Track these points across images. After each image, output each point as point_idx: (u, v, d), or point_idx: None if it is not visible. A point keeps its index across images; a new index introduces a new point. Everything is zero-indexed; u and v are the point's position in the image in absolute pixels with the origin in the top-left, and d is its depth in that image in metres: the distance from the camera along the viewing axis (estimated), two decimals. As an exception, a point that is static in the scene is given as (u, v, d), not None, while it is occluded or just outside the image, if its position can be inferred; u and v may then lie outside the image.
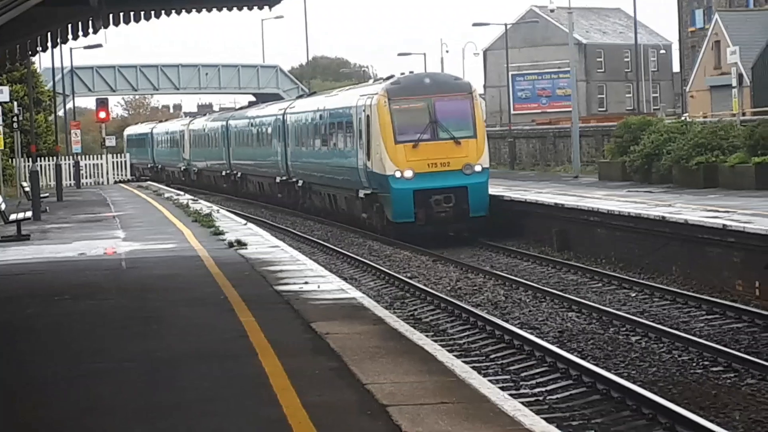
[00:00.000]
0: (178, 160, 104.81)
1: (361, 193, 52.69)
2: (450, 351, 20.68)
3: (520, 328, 27.72)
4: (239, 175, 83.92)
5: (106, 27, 32.19)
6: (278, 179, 72.48)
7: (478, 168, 46.95)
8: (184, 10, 32.77)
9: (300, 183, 68.60)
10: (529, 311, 30.72)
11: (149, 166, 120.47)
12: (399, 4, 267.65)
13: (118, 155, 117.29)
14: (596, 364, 23.60)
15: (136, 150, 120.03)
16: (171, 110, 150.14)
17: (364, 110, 51.40)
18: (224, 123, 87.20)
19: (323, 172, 62.39)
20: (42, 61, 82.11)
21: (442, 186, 46.24)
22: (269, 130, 74.50)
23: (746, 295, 31.73)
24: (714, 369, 23.48)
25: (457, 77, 55.90)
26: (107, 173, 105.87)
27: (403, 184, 45.21)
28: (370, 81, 69.39)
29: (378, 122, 48.42)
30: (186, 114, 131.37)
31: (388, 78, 55.35)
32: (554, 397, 21.69)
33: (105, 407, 15.54)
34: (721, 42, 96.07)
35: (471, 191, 46.14)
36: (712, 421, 18.84)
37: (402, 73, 67.85)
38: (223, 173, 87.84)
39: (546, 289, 34.07)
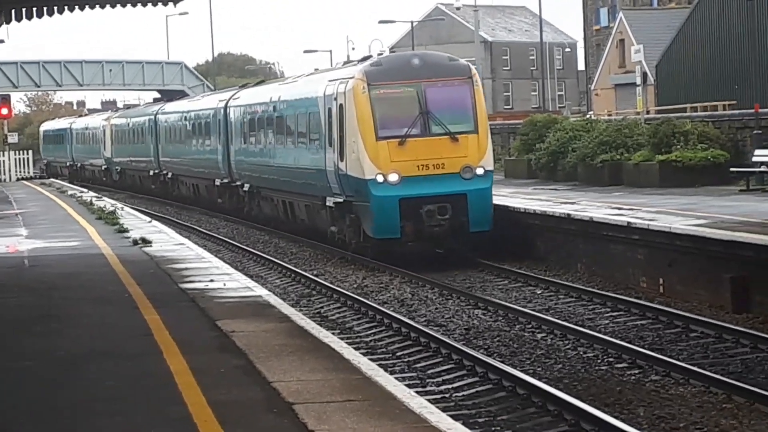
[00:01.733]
0: (99, 158, 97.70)
1: (330, 201, 39.71)
2: (356, 349, 20.73)
3: (426, 325, 27.72)
4: (170, 175, 73.53)
5: (8, 23, 32.10)
6: (218, 182, 60.55)
7: (479, 171, 35.52)
8: (87, 6, 32.67)
9: (245, 187, 55.48)
10: (435, 309, 30.73)
11: (68, 164, 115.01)
12: (303, 1, 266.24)
13: (22, 152, 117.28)
14: (502, 362, 23.60)
15: (53, 147, 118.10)
16: (74, 107, 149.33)
17: (335, 99, 38.33)
18: (152, 117, 77.59)
19: (277, 175, 48.80)
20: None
21: (436, 193, 35.14)
22: (207, 124, 61.70)
23: (650, 292, 31.92)
24: (619, 365, 23.57)
25: (452, 57, 40.68)
26: (9, 170, 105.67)
27: (387, 191, 34.10)
28: (339, 64, 51.25)
29: (355, 113, 36.28)
30: (90, 110, 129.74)
31: (364, 59, 41.93)
32: (460, 394, 21.65)
33: (2, 407, 15.43)
34: (626, 40, 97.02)
35: (471, 200, 35.04)
36: (617, 418, 18.86)
37: (380, 53, 66.43)
38: (151, 173, 78.49)
39: (452, 286, 34.12)
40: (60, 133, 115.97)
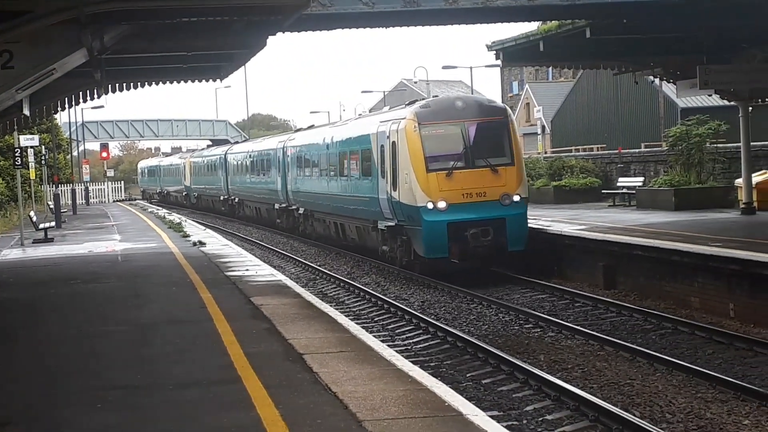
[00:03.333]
0: (182, 186, 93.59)
1: (382, 225, 34.35)
2: (347, 316, 20.67)
3: (395, 300, 27.73)
4: (236, 200, 67.97)
5: (106, 94, 32.00)
6: (277, 206, 53.82)
7: (516, 198, 30.81)
8: (161, 82, 32.58)
9: (300, 210, 49.41)
10: (399, 288, 30.65)
11: (158, 191, 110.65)
12: (307, 75, 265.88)
13: (117, 182, 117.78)
14: (446, 324, 23.69)
15: (148, 179, 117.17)
16: (153, 151, 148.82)
17: (388, 137, 33.26)
18: (222, 155, 73.12)
19: (330, 202, 42.64)
20: (61, 117, 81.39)
21: (479, 218, 30.56)
22: (268, 160, 55.69)
23: (548, 275, 31.74)
24: (526, 326, 23.60)
25: (490, 100, 37.31)
26: (107, 195, 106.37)
27: (436, 216, 29.63)
28: (386, 108, 46.85)
29: (407, 149, 31.38)
30: (164, 153, 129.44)
31: (411, 102, 35.73)
32: (418, 346, 21.75)
33: (104, 356, 15.50)
34: (530, 103, 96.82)
35: (510, 223, 30.51)
36: (525, 361, 19.02)
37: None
38: (221, 198, 73.22)
39: (411, 274, 33.42)
40: (153, 168, 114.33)
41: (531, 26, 35.28)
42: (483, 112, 31.15)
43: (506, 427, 11.85)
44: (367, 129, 36.06)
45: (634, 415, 15.20)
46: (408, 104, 34.13)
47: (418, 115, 30.68)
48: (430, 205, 29.47)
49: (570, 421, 15.50)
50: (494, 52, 37.81)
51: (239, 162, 64.21)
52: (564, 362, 19.46)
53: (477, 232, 29.56)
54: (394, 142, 31.46)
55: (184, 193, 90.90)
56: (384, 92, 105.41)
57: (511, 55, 37.30)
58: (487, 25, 31.94)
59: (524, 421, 15.53)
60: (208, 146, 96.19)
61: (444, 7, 25.33)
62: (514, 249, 30.32)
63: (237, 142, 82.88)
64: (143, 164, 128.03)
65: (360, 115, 49.43)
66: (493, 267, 31.22)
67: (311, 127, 53.69)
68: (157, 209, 79.12)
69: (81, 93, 31.96)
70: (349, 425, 10.64)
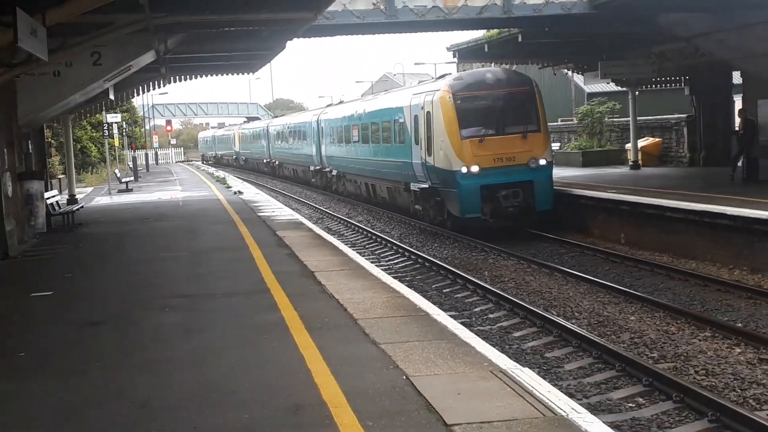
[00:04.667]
0: (232, 151, 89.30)
1: (415, 187, 29.18)
2: (346, 244, 20.69)
3: (381, 232, 27.71)
4: (277, 163, 62.67)
5: (169, 83, 31.95)
6: (312, 168, 48.35)
7: (542, 162, 26.39)
8: (209, 75, 32.57)
9: (334, 172, 43.53)
10: (383, 224, 30.60)
11: (213, 155, 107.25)
12: (315, 68, 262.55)
13: (178, 148, 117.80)
14: (417, 249, 23.68)
15: (206, 146, 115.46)
16: (204, 125, 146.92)
17: (422, 108, 27.95)
18: (265, 127, 68.29)
19: (362, 165, 37.06)
20: (137, 100, 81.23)
21: (509, 181, 26.38)
22: (304, 131, 49.93)
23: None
24: (475, 251, 23.63)
25: (517, 72, 30.59)
26: (171, 158, 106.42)
27: (470, 180, 25.48)
28: (415, 82, 38.82)
29: (442, 118, 26.52)
30: (211, 127, 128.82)
31: (441, 76, 30.49)
32: (398, 266, 21.73)
33: (171, 274, 15.49)
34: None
35: (537, 185, 26.21)
36: (473, 276, 19.05)
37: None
38: (265, 161, 68.26)
39: (394, 214, 33.35)
40: (209, 138, 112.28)
41: (479, 33, 35.22)
42: (511, 83, 25.96)
43: (461, 323, 11.88)
44: (400, 101, 30.43)
45: (552, 313, 15.32)
46: (439, 78, 28.91)
47: (453, 87, 25.55)
48: (464, 170, 24.81)
49: (506, 318, 15.59)
50: (452, 52, 37.86)
51: (279, 131, 60.27)
52: (502, 277, 19.47)
53: (508, 193, 25.01)
54: (428, 112, 26.41)
55: (234, 157, 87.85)
56: (372, 82, 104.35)
57: (464, 54, 37.38)
58: (447, 32, 31.80)
59: (473, 318, 15.62)
60: (244, 121, 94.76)
61: (415, 19, 25.29)
62: (542, 209, 25.39)
63: (276, 116, 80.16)
64: (202, 134, 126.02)
65: (386, 90, 41.51)
66: (523, 226, 25.70)
67: (341, 102, 48.16)
68: (209, 168, 79.04)
69: (151, 83, 32.01)
70: (348, 322, 10.70)
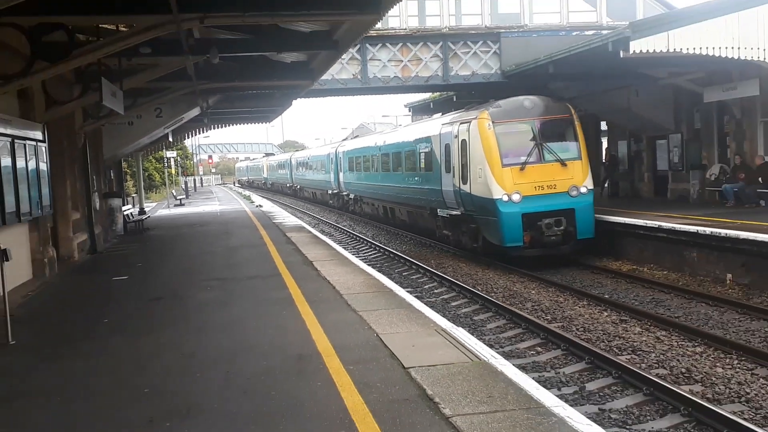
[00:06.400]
0: (261, 177, 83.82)
1: (443, 213, 21.76)
2: (336, 242, 20.61)
3: (359, 233, 27.59)
4: (299, 186, 55.79)
5: (209, 129, 31.74)
6: (330, 191, 41.18)
7: (583, 189, 18.99)
8: (238, 124, 32.38)
9: (351, 195, 35.76)
10: (362, 229, 30.49)
11: (246, 180, 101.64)
12: (311, 117, 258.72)
13: (217, 175, 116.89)
14: (385, 245, 23.53)
15: (240, 173, 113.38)
16: (236, 159, 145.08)
17: (455, 136, 20.61)
18: (288, 159, 62.79)
19: (381, 190, 28.82)
20: (187, 141, 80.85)
21: (550, 208, 19.00)
22: (323, 161, 43.08)
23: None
24: (426, 245, 23.52)
25: (555, 99, 20.84)
26: (212, 182, 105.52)
27: (512, 208, 18.54)
28: (437, 115, 27.33)
29: (481, 146, 19.25)
30: (241, 160, 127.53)
31: (471, 106, 21.30)
32: (371, 257, 21.57)
33: (211, 263, 15.29)
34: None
35: (578, 213, 18.87)
36: (421, 262, 18.97)
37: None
38: (288, 185, 62.18)
39: (366, 221, 33.24)
40: (243, 167, 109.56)
41: (426, 95, 35.26)
42: (550, 110, 19.15)
43: (415, 296, 11.88)
44: (426, 131, 23.10)
45: (477, 289, 15.32)
46: (471, 108, 20.70)
47: (492, 114, 18.88)
48: (505, 198, 18.05)
49: (446, 292, 15.58)
50: (408, 108, 37.92)
51: (300, 162, 55.40)
52: (444, 264, 19.38)
53: (550, 221, 18.15)
54: (464, 140, 19.48)
55: (262, 181, 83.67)
56: (353, 128, 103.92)
57: (416, 109, 37.35)
58: (405, 94, 31.87)
59: (424, 293, 15.61)
60: (264, 156, 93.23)
61: (382, 85, 25.28)
62: (583, 237, 18.39)
63: (297, 150, 76.57)
64: (239, 165, 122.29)
65: (401, 125, 31.18)
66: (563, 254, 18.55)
67: (356, 137, 41.24)
68: (239, 189, 78.50)
69: (197, 129, 31.82)
70: (336, 295, 10.65)
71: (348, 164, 35.66)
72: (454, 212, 20.43)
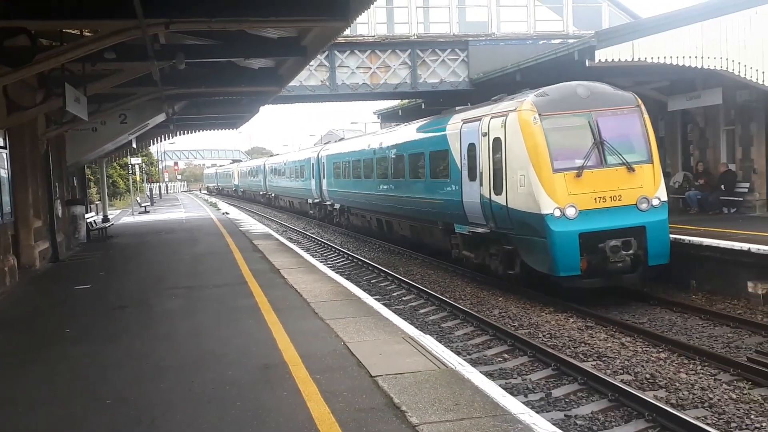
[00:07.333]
0: (231, 184, 79.42)
1: (462, 230, 16.56)
2: (304, 250, 20.54)
3: (327, 241, 27.45)
4: (273, 194, 51.13)
5: (175, 136, 31.52)
6: (310, 200, 36.52)
7: (655, 202, 13.25)
8: (205, 130, 32.20)
9: (336, 206, 31.04)
10: (330, 235, 30.34)
11: (215, 187, 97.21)
12: (278, 123, 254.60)
13: (183, 182, 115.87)
14: (353, 252, 23.40)
15: (208, 179, 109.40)
16: (202, 165, 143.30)
17: (484, 134, 14.89)
18: (261, 164, 57.34)
19: (378, 201, 24.01)
20: (152, 147, 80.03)
21: (615, 227, 13.08)
22: (302, 167, 37.78)
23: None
24: (393, 254, 23.50)
25: (616, 87, 14.41)
26: (178, 189, 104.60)
27: (566, 226, 12.72)
28: (448, 111, 19.00)
29: (524, 145, 13.43)
30: (206, 167, 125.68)
31: (501, 97, 15.86)
32: (339, 264, 21.49)
33: (176, 271, 15.15)
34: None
35: (650, 232, 13.16)
36: (392, 270, 18.91)
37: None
38: (261, 192, 57.17)
39: (339, 230, 32.94)
40: (211, 173, 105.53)
41: (395, 102, 35.36)
42: (611, 100, 14.10)
43: (383, 304, 11.91)
44: (440, 129, 18.20)
45: (445, 297, 15.34)
46: (502, 99, 15.80)
47: (538, 104, 13.75)
48: (557, 213, 13.14)
49: (415, 299, 15.58)
50: (377, 115, 38.00)
51: (275, 168, 50.45)
52: (412, 272, 19.30)
53: (617, 244, 13.25)
54: (497, 138, 14.59)
55: (233, 189, 79.10)
56: (321, 135, 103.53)
57: (385, 117, 37.51)
58: (373, 101, 31.93)
59: (392, 301, 15.60)
60: (230, 162, 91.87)
61: (350, 92, 25.37)
62: (655, 263, 13.62)
63: (272, 155, 72.54)
64: (207, 171, 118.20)
65: (396, 125, 27.94)
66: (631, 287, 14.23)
67: (341, 140, 35.20)
68: (207, 197, 77.89)
69: (163, 135, 31.60)
70: (303, 303, 10.62)
71: (333, 170, 30.74)
72: (480, 229, 15.71)
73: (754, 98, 18.96)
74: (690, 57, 17.06)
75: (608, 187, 13.49)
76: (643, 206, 13.56)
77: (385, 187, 23.16)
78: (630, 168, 13.58)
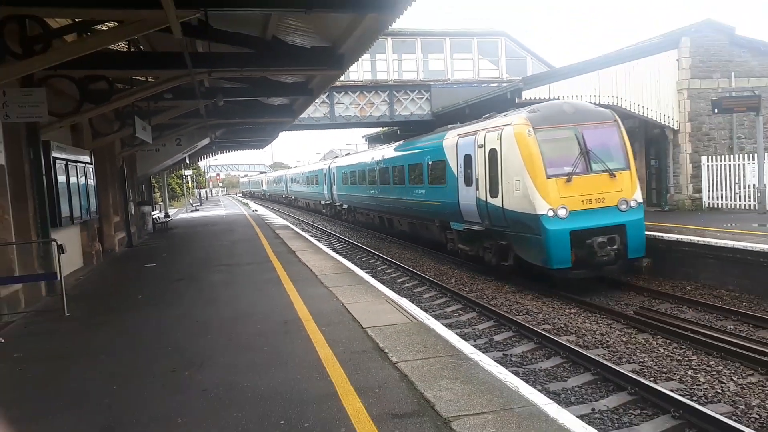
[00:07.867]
0: (260, 189, 77.10)
1: (458, 227, 14.41)
2: (313, 238, 20.31)
3: (330, 230, 27.13)
4: (294, 197, 48.86)
5: (217, 154, 31.17)
6: (323, 202, 34.41)
7: (633, 203, 11.25)
8: (238, 149, 31.89)
9: (345, 206, 28.78)
10: (332, 225, 29.95)
11: (249, 192, 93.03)
12: (291, 143, 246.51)
13: (223, 188, 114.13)
14: (348, 238, 22.90)
15: (243, 186, 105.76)
16: (239, 176, 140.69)
17: (480, 145, 12.78)
18: (284, 174, 55.01)
19: (378, 202, 22.01)
20: (200, 163, 79.09)
21: (600, 225, 10.97)
22: (317, 175, 36.27)
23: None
24: (381, 239, 23.12)
25: (594, 104, 12.51)
26: (219, 193, 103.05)
27: (559, 225, 10.65)
28: (442, 129, 16.44)
29: (519, 155, 11.29)
30: (242, 177, 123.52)
31: (492, 115, 13.62)
32: (339, 247, 21.05)
33: (218, 252, 14.94)
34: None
35: (629, 230, 11.05)
36: (377, 251, 18.69)
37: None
38: (284, 196, 54.69)
39: (338, 222, 32.27)
40: (245, 180, 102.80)
41: (378, 129, 35.22)
42: (593, 115, 12.29)
43: (371, 275, 11.85)
44: (436, 143, 16.21)
45: (416, 270, 15.23)
46: (493, 116, 13.96)
47: (531, 119, 11.99)
48: (550, 213, 11.35)
49: (394, 272, 15.49)
50: (365, 138, 37.84)
51: (294, 177, 49.38)
52: (393, 252, 19.11)
53: (603, 240, 11.44)
54: (492, 149, 12.70)
55: (262, 193, 77.60)
56: (324, 153, 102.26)
57: (370, 139, 37.34)
58: (362, 128, 31.70)
59: (378, 273, 15.47)
60: (259, 173, 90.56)
61: (345, 122, 25.26)
62: (633, 256, 11.86)
63: (292, 167, 69.35)
64: (241, 179, 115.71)
65: (395, 142, 23.06)
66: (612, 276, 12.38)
67: (348, 154, 31.77)
68: (241, 199, 77.00)
69: (208, 154, 31.15)
70: (312, 276, 10.52)
71: (342, 178, 29.05)
72: (476, 227, 13.83)
73: (637, 125, 19.21)
74: (590, 95, 17.30)
75: (594, 191, 11.78)
76: (623, 207, 11.81)
77: (388, 190, 21.17)
78: (612, 174, 11.82)
